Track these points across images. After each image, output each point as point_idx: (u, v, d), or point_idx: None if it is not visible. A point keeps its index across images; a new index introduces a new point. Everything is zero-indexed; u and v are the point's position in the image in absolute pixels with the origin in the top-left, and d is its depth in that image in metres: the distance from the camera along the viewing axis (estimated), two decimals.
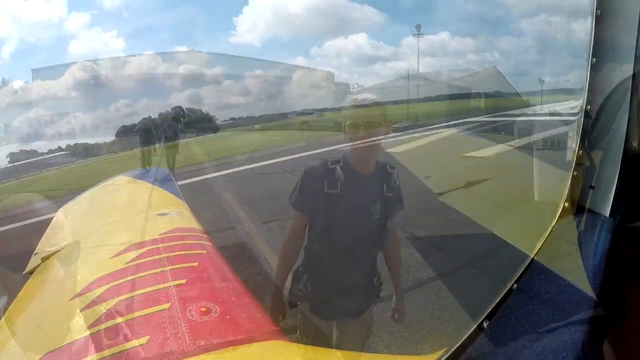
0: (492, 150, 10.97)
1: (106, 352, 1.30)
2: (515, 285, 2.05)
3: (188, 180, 10.15)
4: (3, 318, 1.88)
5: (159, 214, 2.77)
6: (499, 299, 1.81)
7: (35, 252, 2.72)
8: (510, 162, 8.29)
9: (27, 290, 2.20)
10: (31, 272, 2.46)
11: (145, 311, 1.50)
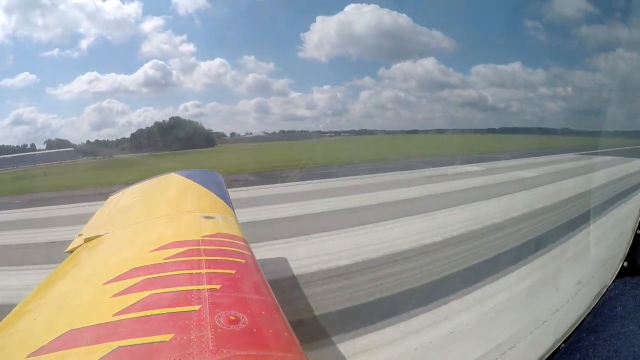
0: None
1: (127, 342, 1.29)
2: (563, 345, 1.91)
3: None
4: (36, 289, 1.95)
5: (205, 217, 2.78)
6: (545, 359, 1.69)
7: (80, 233, 2.83)
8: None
9: (65, 267, 2.27)
10: (72, 251, 2.56)
11: (175, 309, 1.49)
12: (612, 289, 2.06)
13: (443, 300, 4.67)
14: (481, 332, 3.85)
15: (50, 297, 1.88)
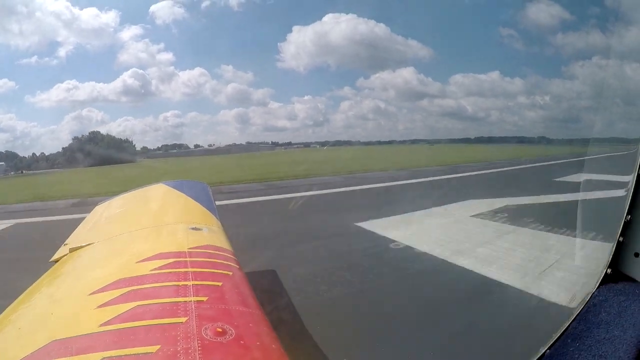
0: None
1: (113, 353, 1.28)
2: (548, 351, 1.94)
3: None
4: (20, 298, 1.92)
5: (192, 228, 2.77)
6: None
7: (66, 242, 2.79)
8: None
9: (49, 277, 2.25)
10: (57, 261, 2.52)
11: (161, 321, 1.48)
12: (596, 295, 2.10)
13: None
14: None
15: (35, 307, 1.85)
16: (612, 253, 2.20)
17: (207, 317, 1.52)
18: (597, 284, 2.21)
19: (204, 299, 1.67)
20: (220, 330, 1.43)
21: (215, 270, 2.04)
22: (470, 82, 45.51)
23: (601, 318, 2.05)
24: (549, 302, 3.90)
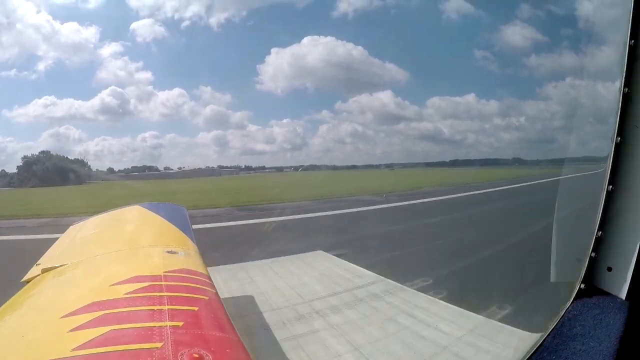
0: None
1: None
2: None
3: None
4: None
5: (168, 252, 2.73)
6: None
7: (38, 262, 2.71)
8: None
9: (21, 298, 2.17)
10: (29, 281, 2.44)
11: (135, 346, 1.44)
12: (571, 310, 2.14)
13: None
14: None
15: (4, 330, 1.78)
16: (586, 268, 2.26)
17: (183, 342, 1.49)
18: (572, 299, 2.26)
19: (180, 324, 1.63)
20: (196, 356, 1.40)
21: (192, 295, 2.01)
22: (447, 104, 46.54)
23: (576, 331, 2.09)
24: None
